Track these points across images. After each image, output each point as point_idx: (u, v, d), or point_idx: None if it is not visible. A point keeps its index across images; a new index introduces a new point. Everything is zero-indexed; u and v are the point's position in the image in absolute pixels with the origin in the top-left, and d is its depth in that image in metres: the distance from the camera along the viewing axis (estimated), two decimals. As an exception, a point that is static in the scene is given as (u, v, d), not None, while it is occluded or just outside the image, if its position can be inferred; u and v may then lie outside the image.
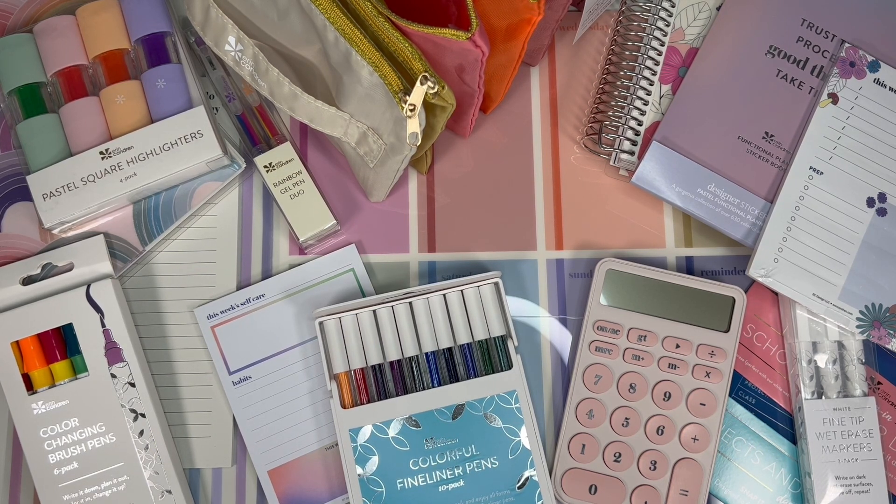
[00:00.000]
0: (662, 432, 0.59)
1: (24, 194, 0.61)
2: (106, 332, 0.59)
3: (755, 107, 0.62)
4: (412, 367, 0.59)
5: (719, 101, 0.62)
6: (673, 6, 0.64)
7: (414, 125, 0.52)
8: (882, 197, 0.60)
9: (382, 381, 0.59)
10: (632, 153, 0.62)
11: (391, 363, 0.59)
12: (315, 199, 0.61)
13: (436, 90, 0.51)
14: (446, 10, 0.54)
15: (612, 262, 0.61)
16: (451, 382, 0.59)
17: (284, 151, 0.62)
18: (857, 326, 0.59)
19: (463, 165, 0.65)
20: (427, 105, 0.53)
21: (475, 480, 0.57)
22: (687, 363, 0.59)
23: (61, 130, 0.61)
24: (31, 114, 0.61)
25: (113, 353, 0.59)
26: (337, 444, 0.59)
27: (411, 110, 0.51)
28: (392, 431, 0.58)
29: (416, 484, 0.57)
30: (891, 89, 0.62)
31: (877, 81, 0.62)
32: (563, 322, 0.62)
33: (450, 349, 0.59)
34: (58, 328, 0.59)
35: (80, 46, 0.62)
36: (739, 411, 0.60)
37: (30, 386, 0.58)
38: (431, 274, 0.63)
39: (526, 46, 0.56)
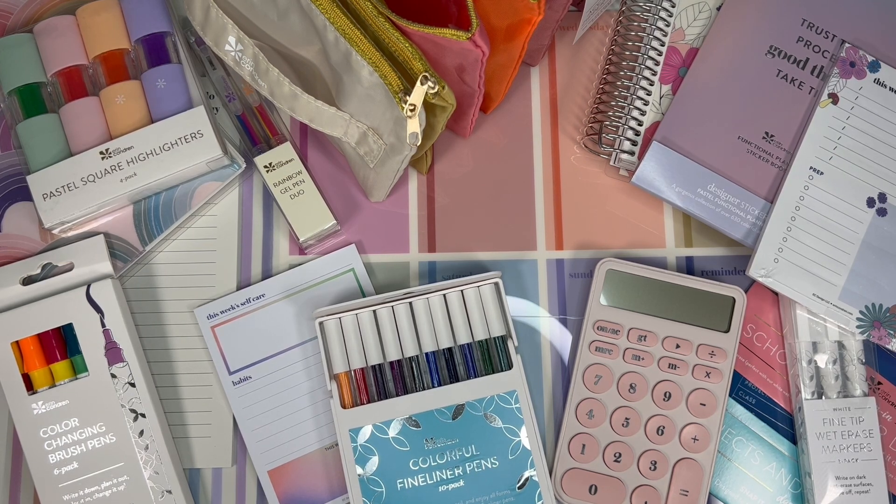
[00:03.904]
0: (662, 432, 0.59)
1: (24, 194, 0.61)
2: (106, 332, 0.59)
3: (755, 107, 0.62)
4: (412, 367, 0.59)
5: (719, 101, 0.62)
6: (673, 6, 0.64)
7: (414, 125, 0.52)
8: (882, 197, 0.60)
9: (382, 381, 0.59)
10: (632, 153, 0.62)
11: (391, 363, 0.59)
12: (315, 199, 0.61)
13: (436, 90, 0.51)
14: (446, 10, 0.54)
15: (612, 262, 0.61)
16: (451, 382, 0.59)
17: (284, 151, 0.62)
18: (857, 326, 0.59)
19: (463, 165, 0.65)
20: (427, 105, 0.53)
21: (475, 480, 0.57)
22: (687, 363, 0.59)
23: (61, 130, 0.61)
24: (31, 114, 0.61)
25: (113, 353, 0.59)
26: (337, 444, 0.59)
27: (411, 110, 0.51)
28: (392, 431, 0.58)
29: (416, 484, 0.57)
30: (891, 89, 0.62)
31: (877, 81, 0.62)
32: (563, 322, 0.62)
33: (450, 349, 0.59)
34: (58, 328, 0.59)
35: (80, 46, 0.62)
36: (739, 411, 0.60)
37: (30, 386, 0.58)
38: (431, 274, 0.63)
39: (526, 46, 0.56)
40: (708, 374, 0.59)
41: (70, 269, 0.60)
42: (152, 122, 0.61)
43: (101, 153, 0.60)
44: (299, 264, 0.63)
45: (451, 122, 0.62)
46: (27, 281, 0.60)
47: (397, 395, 0.59)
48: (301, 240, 0.61)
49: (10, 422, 0.60)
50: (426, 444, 0.58)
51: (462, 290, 0.60)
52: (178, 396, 0.61)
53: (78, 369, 0.59)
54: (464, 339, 0.59)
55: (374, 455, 0.57)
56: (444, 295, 0.60)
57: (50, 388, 0.58)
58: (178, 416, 0.61)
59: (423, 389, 0.58)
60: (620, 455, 0.59)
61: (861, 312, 0.59)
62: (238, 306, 0.61)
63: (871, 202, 0.60)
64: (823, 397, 0.59)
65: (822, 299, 0.59)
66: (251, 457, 0.60)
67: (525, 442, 0.58)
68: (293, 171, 0.61)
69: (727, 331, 0.60)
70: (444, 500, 0.57)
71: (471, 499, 0.57)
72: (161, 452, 0.58)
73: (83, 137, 0.61)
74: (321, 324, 0.59)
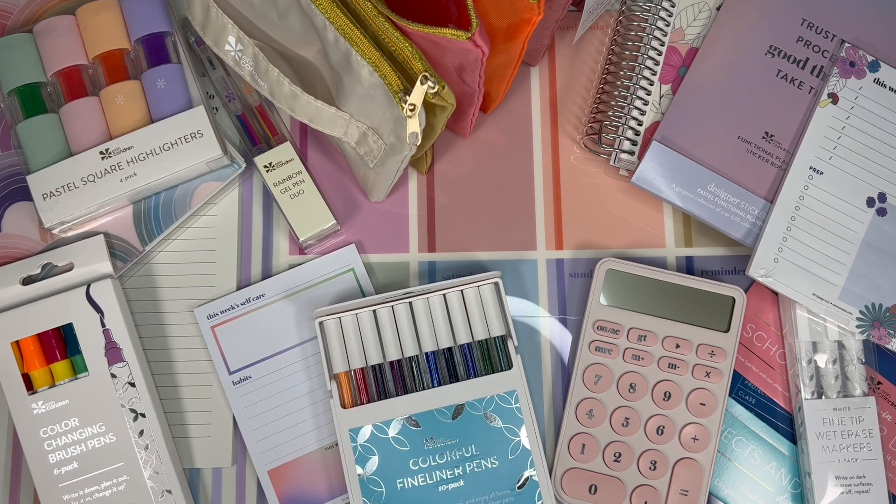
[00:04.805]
0: (662, 432, 0.59)
1: (24, 194, 0.61)
2: (106, 332, 0.59)
3: (755, 107, 0.62)
4: (412, 367, 0.59)
5: (719, 101, 0.62)
6: (673, 6, 0.64)
7: (414, 125, 0.52)
8: (882, 197, 0.60)
9: (382, 380, 0.59)
10: (632, 153, 0.62)
11: (391, 363, 0.59)
12: (315, 199, 0.61)
13: (436, 90, 0.51)
14: (446, 10, 0.54)
15: (612, 262, 0.61)
16: (451, 382, 0.59)
17: (284, 151, 0.62)
18: (857, 326, 0.59)
19: (463, 165, 0.65)
20: (427, 105, 0.53)
21: (475, 480, 0.57)
22: (687, 363, 0.59)
23: (61, 130, 0.61)
24: (31, 114, 0.61)
25: (113, 352, 0.59)
26: (337, 444, 0.59)
27: (411, 110, 0.51)
28: (392, 431, 0.58)
29: (416, 484, 0.57)
30: (891, 89, 0.62)
31: (877, 81, 0.62)
32: (563, 322, 0.62)
33: (450, 349, 0.59)
34: (58, 328, 0.59)
35: (80, 46, 0.62)
36: (739, 411, 0.60)
37: (30, 386, 0.58)
38: (431, 274, 0.63)
39: (526, 46, 0.56)
40: (708, 374, 0.59)
41: (70, 269, 0.60)
42: (152, 122, 0.61)
43: (101, 153, 0.60)
44: (299, 264, 0.63)
45: (451, 122, 0.62)
46: (27, 281, 0.60)
47: (397, 395, 0.58)
48: (301, 240, 0.61)
49: (10, 422, 0.60)
50: (426, 443, 0.58)
51: (462, 290, 0.60)
52: (178, 396, 0.61)
53: (78, 369, 0.59)
54: (464, 338, 0.59)
55: (374, 455, 0.57)
56: (444, 295, 0.60)
57: (50, 387, 0.58)
58: (178, 416, 0.61)
59: (423, 389, 0.58)
60: (620, 455, 0.59)
61: (861, 312, 0.59)
62: (238, 306, 0.61)
63: (870, 202, 0.60)
64: (823, 397, 0.59)
65: (822, 299, 0.59)
66: (251, 457, 0.60)
67: (525, 442, 0.58)
68: (293, 171, 0.61)
69: (727, 331, 0.60)
70: (444, 499, 0.57)
71: (471, 499, 0.57)
72: (161, 452, 0.58)
73: (83, 137, 0.61)
74: (321, 324, 0.59)
